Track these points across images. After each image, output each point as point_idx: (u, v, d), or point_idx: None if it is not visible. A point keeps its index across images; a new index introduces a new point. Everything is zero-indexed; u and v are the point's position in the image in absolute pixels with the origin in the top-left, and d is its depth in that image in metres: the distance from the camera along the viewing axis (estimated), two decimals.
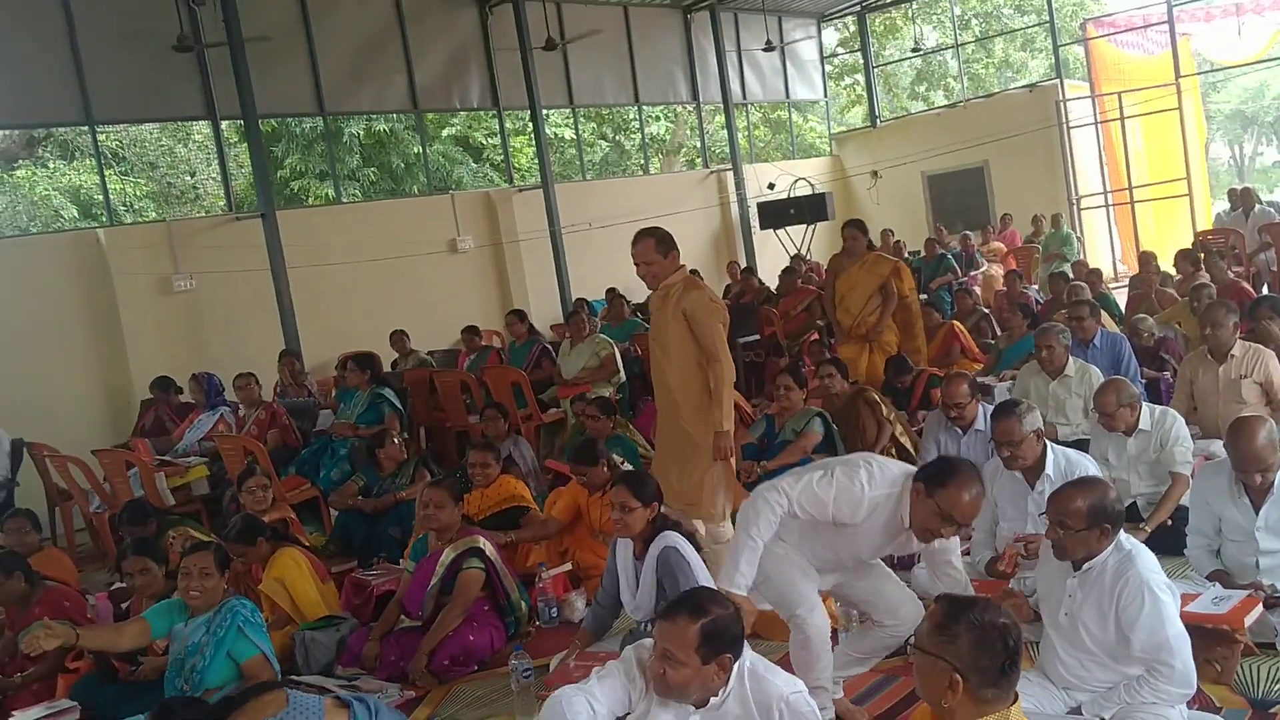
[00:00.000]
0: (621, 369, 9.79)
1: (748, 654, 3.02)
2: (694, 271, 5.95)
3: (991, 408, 5.44)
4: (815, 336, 11.17)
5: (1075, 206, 18.00)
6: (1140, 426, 5.24)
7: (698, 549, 4.55)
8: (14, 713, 4.89)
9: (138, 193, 20.04)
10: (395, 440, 7.40)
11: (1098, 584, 3.44)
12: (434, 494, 5.29)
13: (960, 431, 5.97)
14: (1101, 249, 18.04)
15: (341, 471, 7.87)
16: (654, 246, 5.30)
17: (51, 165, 19.88)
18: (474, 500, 6.21)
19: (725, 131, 18.80)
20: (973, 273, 14.33)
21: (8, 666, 5.40)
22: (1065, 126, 18.07)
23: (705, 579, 4.26)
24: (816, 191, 17.08)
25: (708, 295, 5.39)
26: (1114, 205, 18.31)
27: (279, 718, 3.08)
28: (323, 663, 5.12)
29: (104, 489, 8.15)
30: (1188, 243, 12.90)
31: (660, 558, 4.36)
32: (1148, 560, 3.44)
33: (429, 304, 13.69)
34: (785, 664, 3.62)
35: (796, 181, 17.98)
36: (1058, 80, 18.72)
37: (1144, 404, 5.34)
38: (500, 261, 15.04)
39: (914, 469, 3.76)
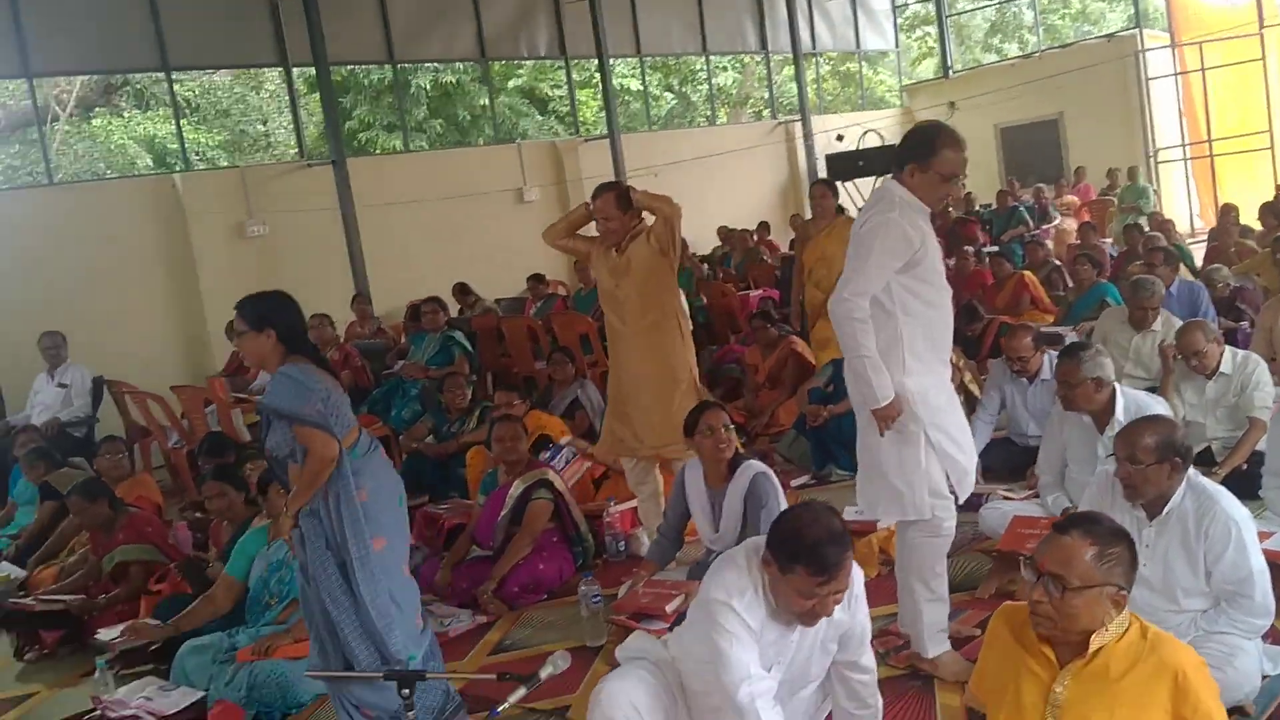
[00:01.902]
0: (688, 318, 9.78)
1: None
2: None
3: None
4: None
5: (1152, 159, 17.60)
6: (1221, 370, 5.16)
7: None
8: (99, 631, 5.08)
9: (210, 142, 20.35)
10: (461, 386, 7.49)
11: (1179, 527, 3.41)
12: (507, 429, 5.39)
13: (1026, 382, 5.92)
14: (1178, 203, 17.64)
15: (412, 411, 8.01)
16: (614, 202, 5.14)
17: (127, 114, 20.24)
18: None
19: (794, 84, 18.59)
20: (1045, 226, 14.10)
21: (93, 588, 5.61)
22: (1143, 77, 17.63)
23: (786, 506, 4.29)
24: (886, 143, 16.86)
25: None
26: (1192, 159, 17.87)
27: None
28: None
29: (182, 425, 8.37)
30: (1268, 196, 12.57)
31: (753, 483, 4.36)
32: (1228, 495, 3.42)
33: (495, 252, 13.78)
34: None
35: (866, 133, 17.76)
36: (1136, 30, 18.24)
37: (1226, 347, 5.26)
38: (566, 211, 15.02)
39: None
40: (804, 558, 2.77)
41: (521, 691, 2.64)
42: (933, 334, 3.69)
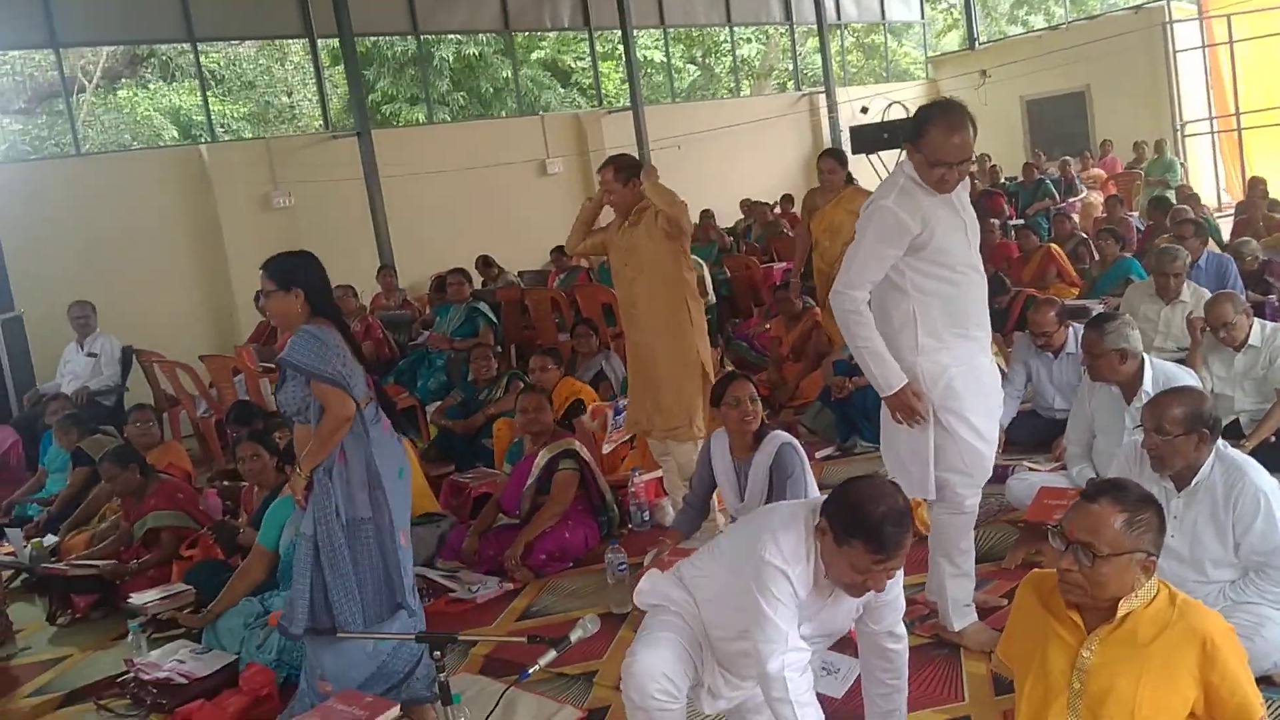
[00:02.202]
0: (711, 290, 9.79)
1: None
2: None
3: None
4: None
5: (1179, 133, 17.42)
6: (1250, 342, 5.14)
7: None
8: (131, 595, 5.15)
9: (235, 114, 20.41)
10: (487, 356, 7.51)
11: (1207, 499, 3.40)
12: (531, 399, 5.43)
13: (1051, 356, 5.90)
14: (1205, 177, 17.46)
15: (438, 382, 8.06)
16: (613, 174, 5.12)
17: (153, 86, 20.30)
18: None
19: (818, 56, 18.47)
20: (1072, 200, 13.99)
21: (124, 554, 5.69)
22: (1171, 50, 17.43)
23: (812, 476, 4.32)
24: (910, 116, 16.71)
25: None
26: (1219, 132, 17.68)
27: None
28: (424, 556, 5.27)
29: (210, 394, 8.44)
30: None
31: (779, 453, 4.37)
32: (1256, 466, 3.41)
33: (518, 225, 13.80)
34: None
35: (890, 105, 17.64)
36: (1164, 2, 18.02)
37: (1255, 320, 5.23)
38: (589, 183, 15.04)
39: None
40: (863, 533, 2.72)
41: (552, 654, 2.66)
42: (952, 310, 3.59)
